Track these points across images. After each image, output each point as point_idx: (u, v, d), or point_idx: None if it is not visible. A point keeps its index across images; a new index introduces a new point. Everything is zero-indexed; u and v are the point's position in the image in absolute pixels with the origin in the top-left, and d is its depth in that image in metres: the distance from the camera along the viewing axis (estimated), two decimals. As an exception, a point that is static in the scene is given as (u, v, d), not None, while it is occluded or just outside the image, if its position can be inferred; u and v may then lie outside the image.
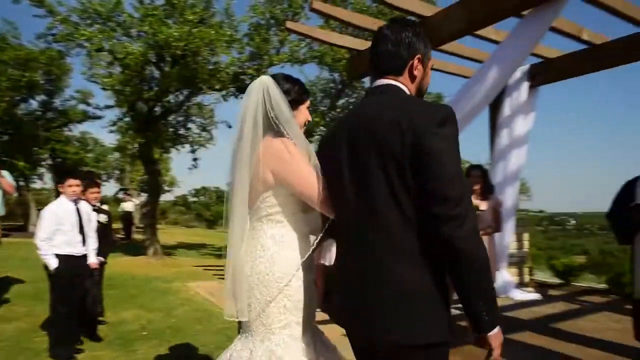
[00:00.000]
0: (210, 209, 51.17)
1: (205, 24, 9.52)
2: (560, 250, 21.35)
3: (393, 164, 1.40)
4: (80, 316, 4.29)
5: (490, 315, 1.38)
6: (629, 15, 5.05)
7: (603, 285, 7.60)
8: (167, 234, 18.60)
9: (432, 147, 1.36)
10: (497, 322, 1.41)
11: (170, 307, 5.93)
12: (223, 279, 1.70)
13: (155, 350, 4.22)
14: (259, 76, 1.85)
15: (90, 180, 4.80)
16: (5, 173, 5.25)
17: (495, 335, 1.40)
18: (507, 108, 6.92)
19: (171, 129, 12.45)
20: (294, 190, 1.69)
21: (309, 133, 13.97)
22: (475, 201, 4.75)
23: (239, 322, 1.75)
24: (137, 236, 16.02)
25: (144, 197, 22.54)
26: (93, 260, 4.37)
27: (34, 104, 17.99)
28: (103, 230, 4.77)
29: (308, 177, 1.65)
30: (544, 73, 6.68)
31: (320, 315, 1.91)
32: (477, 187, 4.82)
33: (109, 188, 37.78)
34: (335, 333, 1.95)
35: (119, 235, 15.67)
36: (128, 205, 16.64)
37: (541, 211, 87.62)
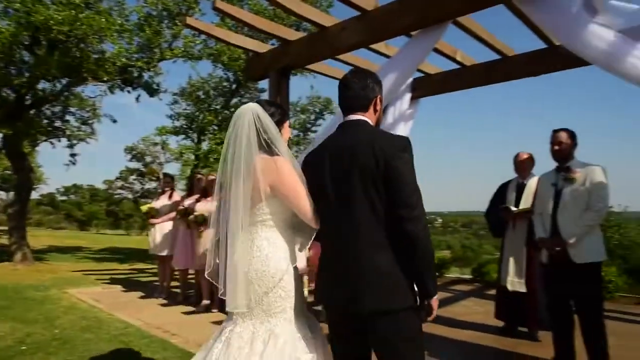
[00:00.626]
0: (82, 208, 46.85)
1: (91, 9, 8.82)
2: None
3: (370, 180, 1.90)
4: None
5: (433, 286, 1.93)
6: (489, 43, 5.95)
7: (468, 276, 8.81)
8: (32, 238, 16.68)
9: (397, 167, 1.88)
10: (436, 291, 1.94)
11: (51, 317, 5.42)
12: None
13: (40, 363, 3.90)
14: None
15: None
16: None
17: (435, 300, 1.94)
18: (390, 116, 7.57)
19: (45, 121, 11.24)
20: (288, 202, 2.06)
21: (201, 131, 13.74)
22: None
23: None
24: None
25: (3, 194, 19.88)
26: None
27: None
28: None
29: (300, 192, 2.04)
30: (424, 87, 7.48)
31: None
32: None
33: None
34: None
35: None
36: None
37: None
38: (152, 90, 11.27)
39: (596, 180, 3.47)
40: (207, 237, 5.79)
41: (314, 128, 16.79)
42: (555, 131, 3.69)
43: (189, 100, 14.20)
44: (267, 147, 2.07)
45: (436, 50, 6.16)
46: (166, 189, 7.06)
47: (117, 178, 34.87)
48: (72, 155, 12.08)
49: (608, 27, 3.72)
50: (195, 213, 5.87)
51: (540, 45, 5.90)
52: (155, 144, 24.38)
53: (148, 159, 29.08)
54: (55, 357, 4.02)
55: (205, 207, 5.96)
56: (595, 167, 3.54)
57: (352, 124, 2.08)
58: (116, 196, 37.72)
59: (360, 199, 1.91)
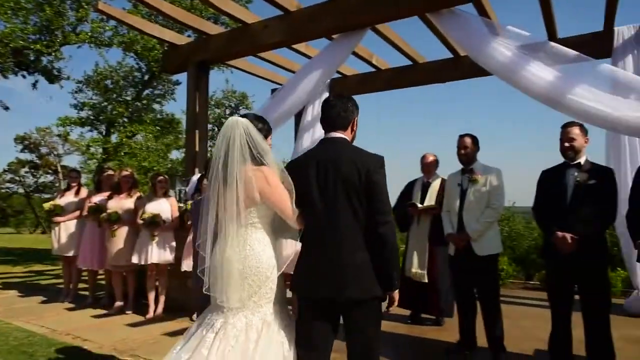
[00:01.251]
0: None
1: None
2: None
3: (353, 190, 2.25)
4: None
5: (397, 279, 2.30)
6: (403, 50, 6.36)
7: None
8: None
9: (377, 181, 2.26)
10: (398, 284, 2.32)
11: None
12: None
13: None
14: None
15: None
16: None
17: (397, 292, 2.32)
18: (309, 114, 7.76)
19: None
20: (274, 207, 2.31)
21: (110, 123, 12.81)
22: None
23: None
24: None
25: None
26: None
27: None
28: None
29: (285, 198, 2.30)
30: (341, 87, 7.76)
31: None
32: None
33: None
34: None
35: None
36: None
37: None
38: (52, 77, 10.35)
39: (495, 182, 3.91)
40: (121, 236, 5.58)
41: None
42: (461, 136, 4.07)
43: (95, 90, 13.16)
44: (256, 159, 2.31)
45: (354, 53, 6.44)
46: (72, 184, 6.57)
47: (5, 170, 31.33)
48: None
49: (508, 44, 4.20)
50: (109, 210, 5.56)
51: (448, 54, 6.45)
52: (58, 135, 22.24)
53: (43, 150, 26.51)
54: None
55: (119, 204, 5.67)
56: (495, 169, 3.98)
57: (334, 140, 2.42)
58: (4, 190, 33.86)
59: (343, 206, 2.26)
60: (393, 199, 5.19)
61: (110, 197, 5.79)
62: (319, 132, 7.79)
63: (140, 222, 5.37)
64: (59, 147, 26.30)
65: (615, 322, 4.72)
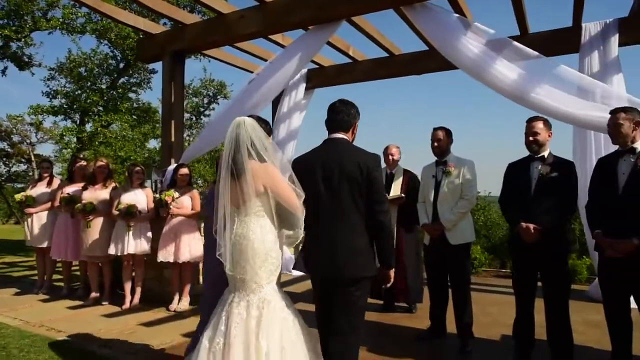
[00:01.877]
0: None
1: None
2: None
3: (355, 185, 2.59)
4: None
5: (392, 260, 2.72)
6: (379, 42, 6.42)
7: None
8: None
9: (375, 177, 2.62)
10: (393, 264, 2.72)
11: None
12: None
13: None
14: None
15: None
16: None
17: (392, 270, 2.74)
18: (285, 105, 7.78)
19: None
20: (280, 198, 2.57)
21: (85, 111, 12.49)
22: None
23: None
24: None
25: None
26: None
27: None
28: None
29: (289, 191, 2.57)
30: (318, 78, 7.79)
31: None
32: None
33: None
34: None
35: None
36: None
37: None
38: (22, 63, 10.05)
39: (467, 174, 4.02)
40: (97, 227, 5.54)
41: (207, 112, 16.35)
42: (435, 129, 4.17)
43: (69, 77, 12.80)
44: (260, 155, 2.58)
45: (331, 45, 6.47)
46: (44, 175, 6.47)
47: (-25, 159, 30.33)
48: None
49: (476, 41, 4.31)
50: (84, 201, 5.50)
51: (423, 47, 6.53)
52: (30, 124, 21.58)
53: (16, 138, 25.74)
54: None
55: (94, 195, 5.62)
56: (468, 161, 4.09)
57: (337, 141, 2.75)
58: (-29, 180, 32.80)
59: (346, 198, 2.60)
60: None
61: (85, 188, 5.73)
62: (295, 123, 7.83)
63: (116, 212, 5.35)
64: (31, 135, 25.59)
65: (579, 307, 5.00)
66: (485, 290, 6.43)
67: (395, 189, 5.07)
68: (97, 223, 5.58)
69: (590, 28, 5.52)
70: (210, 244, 2.90)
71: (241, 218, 2.57)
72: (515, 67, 4.26)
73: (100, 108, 11.39)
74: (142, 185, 5.65)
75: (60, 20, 9.65)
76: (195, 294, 5.84)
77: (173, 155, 6.23)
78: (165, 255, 5.28)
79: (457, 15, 4.68)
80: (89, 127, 12.37)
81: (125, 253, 5.36)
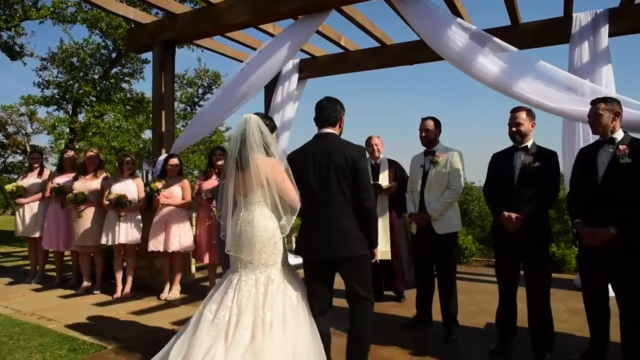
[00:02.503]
0: None
1: None
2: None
3: (342, 174, 2.85)
4: None
5: (376, 241, 2.97)
6: (370, 32, 6.41)
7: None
8: None
9: (360, 167, 2.86)
10: (377, 244, 2.99)
11: None
12: None
13: None
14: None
15: None
16: None
17: (377, 249, 3.01)
18: (279, 95, 7.77)
19: None
20: (279, 190, 2.85)
21: (77, 102, 12.44)
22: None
23: None
24: None
25: None
26: None
27: None
28: None
29: (288, 183, 2.85)
30: (310, 67, 7.77)
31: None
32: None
33: None
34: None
35: None
36: None
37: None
38: (14, 53, 9.97)
39: (454, 164, 4.03)
40: (88, 216, 5.56)
41: (201, 102, 16.28)
42: (423, 119, 4.18)
43: (60, 67, 12.70)
44: (264, 149, 2.85)
45: (322, 34, 6.46)
46: (35, 165, 6.47)
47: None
48: None
49: (461, 35, 4.33)
50: (75, 191, 5.52)
51: (415, 37, 6.51)
52: (22, 114, 21.46)
53: (11, 129, 25.63)
54: None
55: (85, 185, 5.64)
56: (455, 152, 4.10)
57: (326, 135, 3.02)
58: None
59: (335, 186, 2.85)
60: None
61: (76, 178, 5.74)
62: (288, 114, 7.83)
63: (106, 202, 5.37)
64: (27, 126, 25.48)
65: (564, 295, 5.06)
66: (475, 279, 6.49)
67: (384, 179, 5.10)
68: (89, 213, 5.60)
69: (580, 18, 5.53)
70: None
71: (247, 207, 2.86)
72: (499, 60, 4.28)
73: (93, 98, 11.32)
74: (132, 176, 5.67)
75: (51, 9, 9.55)
76: (186, 283, 5.91)
77: (164, 145, 6.24)
78: (156, 244, 5.32)
79: (441, 9, 4.70)
80: (81, 117, 12.31)
81: (116, 243, 5.39)
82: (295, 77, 7.78)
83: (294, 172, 2.90)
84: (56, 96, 12.39)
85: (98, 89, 11.53)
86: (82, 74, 12.20)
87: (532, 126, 3.48)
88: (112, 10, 6.09)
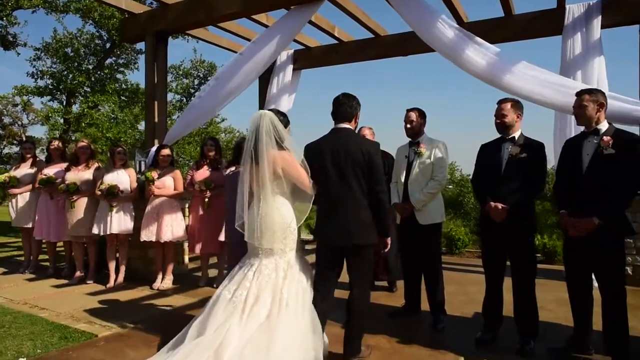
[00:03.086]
0: None
1: None
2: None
3: (359, 167, 3.05)
4: None
5: (389, 229, 3.21)
6: (363, 22, 6.39)
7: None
8: None
9: (375, 161, 3.08)
10: (390, 234, 3.23)
11: None
12: None
13: None
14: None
15: None
16: None
17: (389, 238, 3.26)
18: (274, 86, 7.76)
19: None
20: (294, 180, 3.08)
21: (71, 92, 12.38)
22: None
23: None
24: None
25: None
26: None
27: None
28: None
29: (302, 174, 3.08)
30: (304, 58, 7.76)
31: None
32: None
33: None
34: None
35: None
36: None
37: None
38: (7, 43, 9.90)
39: (438, 155, 4.06)
40: (81, 207, 5.58)
41: (197, 93, 16.22)
42: (408, 110, 4.20)
43: (54, 58, 12.61)
44: (278, 143, 3.03)
45: (315, 25, 6.45)
46: (27, 156, 6.47)
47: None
48: None
49: (450, 28, 4.35)
50: (67, 182, 5.53)
51: (409, 28, 6.49)
52: (15, 104, 21.34)
53: (6, 120, 25.53)
54: None
55: (77, 176, 5.64)
56: (439, 142, 4.13)
57: (343, 130, 3.20)
58: (-34, 162, 32.56)
59: (352, 178, 3.05)
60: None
61: (68, 169, 5.75)
62: (285, 106, 7.80)
63: (98, 193, 5.39)
64: (23, 117, 25.39)
65: (553, 286, 5.11)
66: (466, 270, 6.54)
67: None
68: (81, 203, 5.62)
69: (573, 10, 5.53)
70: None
71: (264, 197, 3.05)
72: (487, 52, 4.30)
73: (87, 89, 11.26)
74: (124, 166, 5.67)
75: (42, -1, 9.48)
76: (179, 273, 5.94)
77: (157, 136, 6.24)
78: (148, 234, 5.34)
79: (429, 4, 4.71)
80: (76, 108, 12.24)
81: (108, 233, 5.41)
82: (290, 68, 7.76)
83: (312, 163, 3.11)
84: (50, 86, 12.31)
85: (92, 79, 11.47)
86: (76, 64, 12.13)
87: (518, 117, 3.49)
88: (105, 0, 6.07)
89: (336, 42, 7.28)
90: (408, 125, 4.15)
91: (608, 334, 3.10)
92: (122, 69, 12.81)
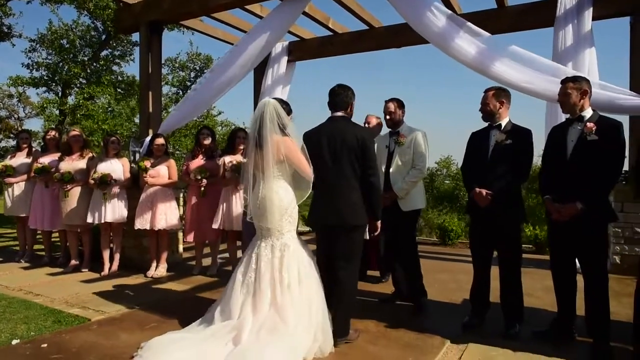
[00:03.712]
0: None
1: None
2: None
3: (353, 153, 3.23)
4: None
5: (379, 213, 3.39)
6: (357, 13, 6.42)
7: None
8: None
9: (369, 147, 3.26)
10: (380, 217, 3.40)
11: None
12: None
13: None
14: None
15: None
16: None
17: (379, 222, 3.45)
18: (269, 78, 7.77)
19: None
20: (295, 166, 3.24)
21: (66, 83, 12.38)
22: (242, 160, 5.23)
23: None
24: None
25: None
26: None
27: None
28: None
29: (303, 160, 3.23)
30: (299, 50, 7.77)
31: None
32: (242, 147, 5.42)
33: None
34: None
35: None
36: None
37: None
38: (2, 34, 9.87)
39: (418, 143, 4.10)
40: (75, 196, 5.62)
41: (193, 86, 16.22)
42: (386, 102, 4.23)
43: (50, 49, 12.56)
44: (281, 129, 3.21)
45: (310, 16, 6.47)
46: (23, 145, 6.50)
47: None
48: None
49: (440, 16, 4.38)
50: (62, 171, 5.56)
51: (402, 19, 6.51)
52: (10, 95, 21.24)
53: (3, 113, 25.43)
54: None
55: (71, 165, 5.67)
56: (418, 131, 4.17)
57: (339, 118, 3.39)
58: (-38, 155, 32.38)
59: (346, 163, 3.23)
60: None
61: (61, 159, 5.78)
62: (277, 96, 7.82)
63: (91, 182, 5.43)
64: (19, 110, 25.30)
65: (542, 274, 5.17)
66: (458, 260, 6.61)
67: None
68: (75, 192, 5.65)
69: (565, 1, 5.54)
70: None
71: (266, 181, 3.22)
72: (477, 41, 4.34)
73: (83, 80, 11.24)
74: (118, 155, 5.71)
75: (37, -12, 9.46)
76: (173, 261, 5.99)
77: (151, 126, 6.27)
78: (142, 223, 5.39)
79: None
80: (71, 99, 12.22)
81: (102, 221, 5.46)
82: (285, 59, 7.77)
83: (309, 150, 3.26)
84: (45, 77, 12.27)
85: (88, 71, 11.45)
86: (71, 55, 12.10)
87: (502, 104, 3.53)
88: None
89: (331, 33, 7.30)
90: (387, 117, 4.20)
91: (590, 317, 3.17)
92: (117, 60, 12.81)
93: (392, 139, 4.22)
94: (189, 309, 3.94)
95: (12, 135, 26.18)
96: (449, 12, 4.60)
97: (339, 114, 3.40)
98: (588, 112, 3.15)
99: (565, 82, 3.22)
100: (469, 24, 4.53)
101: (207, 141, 5.59)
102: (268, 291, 3.14)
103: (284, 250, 3.22)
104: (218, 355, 2.90)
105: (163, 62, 12.47)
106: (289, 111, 3.39)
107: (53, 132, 6.46)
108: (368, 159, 3.26)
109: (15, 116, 25.93)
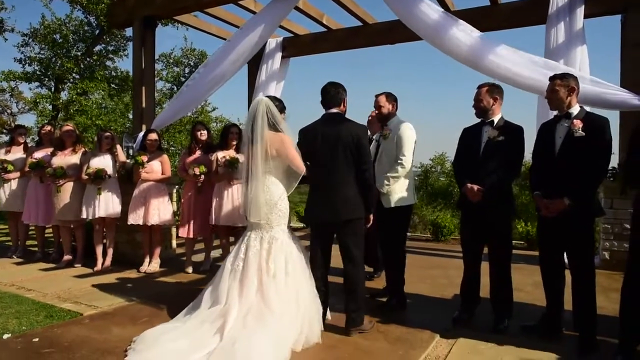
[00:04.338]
0: None
1: None
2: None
3: (348, 149, 3.31)
4: None
5: (373, 207, 3.51)
6: (351, 10, 6.42)
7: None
8: None
9: (363, 144, 3.35)
10: (373, 210, 3.51)
11: None
12: None
13: None
14: None
15: None
16: None
17: (372, 215, 3.53)
18: (263, 74, 7.77)
19: None
20: (288, 160, 3.35)
21: (59, 78, 12.29)
22: (235, 155, 5.22)
23: None
24: None
25: None
26: None
27: None
28: None
29: (295, 154, 3.35)
30: (293, 46, 7.78)
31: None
32: (234, 142, 5.40)
33: None
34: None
35: None
36: None
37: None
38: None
39: (402, 136, 3.89)
40: (67, 191, 5.60)
41: (186, 81, 16.14)
42: (376, 96, 4.14)
43: (42, 44, 12.45)
44: (274, 127, 3.34)
45: (304, 12, 6.47)
46: (20, 140, 6.45)
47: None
48: None
49: (434, 10, 4.40)
50: (54, 166, 5.55)
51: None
52: (2, 90, 21.01)
53: (-5, 108, 25.19)
54: None
55: (64, 160, 5.66)
56: (404, 123, 3.96)
57: (333, 115, 3.48)
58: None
59: (341, 158, 3.31)
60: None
61: (54, 154, 5.76)
62: (271, 93, 7.81)
63: (85, 177, 5.42)
64: (12, 105, 25.10)
65: (533, 270, 5.18)
66: (450, 256, 6.65)
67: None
68: (68, 188, 5.64)
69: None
70: None
71: (256, 175, 3.33)
72: (469, 36, 4.36)
73: (76, 75, 11.16)
74: (111, 150, 5.70)
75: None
76: (166, 257, 6.00)
77: (145, 121, 6.27)
78: (135, 218, 5.39)
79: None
80: (64, 95, 12.13)
81: (95, 216, 5.45)
82: (279, 55, 7.77)
83: (305, 146, 3.40)
84: (38, 72, 12.15)
85: (81, 66, 11.37)
86: (64, 50, 12.00)
87: (495, 101, 3.54)
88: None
89: (325, 30, 7.30)
90: (377, 111, 4.16)
91: (577, 312, 3.21)
92: (111, 55, 12.72)
93: (379, 133, 4.20)
94: (182, 304, 3.93)
95: (5, 131, 26.00)
96: (441, 9, 4.62)
97: (334, 110, 3.47)
98: (575, 109, 3.19)
99: (553, 79, 3.25)
100: (461, 21, 4.55)
101: (204, 136, 5.58)
102: (255, 278, 3.27)
103: (272, 243, 3.34)
104: (209, 343, 2.96)
105: (157, 57, 12.48)
106: (282, 109, 3.52)
107: (48, 127, 6.44)
108: (362, 154, 3.33)
109: (8, 111, 25.73)
